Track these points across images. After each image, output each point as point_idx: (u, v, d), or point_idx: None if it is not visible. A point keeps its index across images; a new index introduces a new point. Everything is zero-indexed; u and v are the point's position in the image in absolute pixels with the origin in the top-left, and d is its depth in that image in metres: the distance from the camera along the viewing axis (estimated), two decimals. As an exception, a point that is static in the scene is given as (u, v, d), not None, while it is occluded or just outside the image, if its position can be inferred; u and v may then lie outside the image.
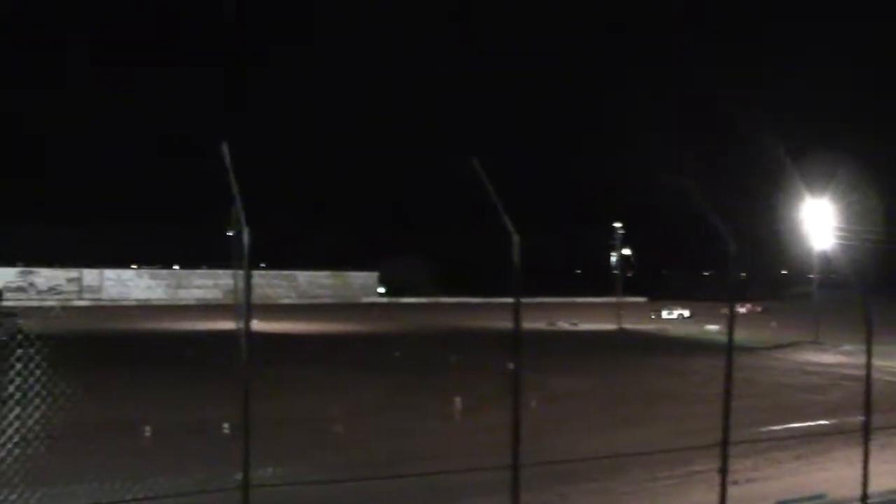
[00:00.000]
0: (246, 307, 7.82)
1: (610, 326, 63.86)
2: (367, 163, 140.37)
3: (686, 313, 75.72)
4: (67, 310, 67.72)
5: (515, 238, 8.88)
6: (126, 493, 10.35)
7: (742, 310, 67.71)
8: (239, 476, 8.25)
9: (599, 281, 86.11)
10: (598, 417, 21.90)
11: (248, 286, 7.85)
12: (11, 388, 10.73)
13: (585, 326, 64.66)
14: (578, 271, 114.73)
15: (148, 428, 18.46)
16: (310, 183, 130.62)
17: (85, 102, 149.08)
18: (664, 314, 76.60)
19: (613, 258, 74.51)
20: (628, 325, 64.24)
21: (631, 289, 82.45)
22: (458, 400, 23.16)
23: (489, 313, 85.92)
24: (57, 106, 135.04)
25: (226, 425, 16.87)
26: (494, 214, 9.03)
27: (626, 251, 75.88)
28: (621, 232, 74.05)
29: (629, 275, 77.72)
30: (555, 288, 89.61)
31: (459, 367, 32.35)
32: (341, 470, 13.79)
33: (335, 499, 12.12)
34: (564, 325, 64.27)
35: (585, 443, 16.55)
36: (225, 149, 8.10)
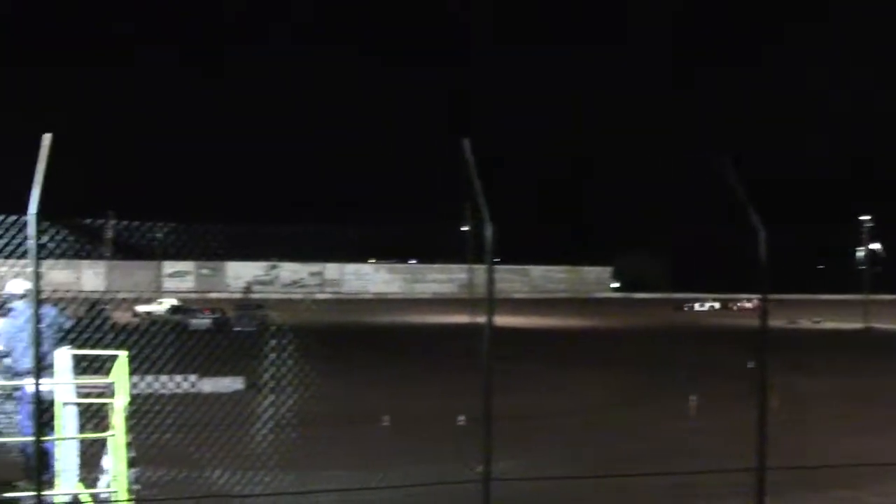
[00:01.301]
0: (489, 301, 7.91)
1: (856, 325, 60.59)
2: (600, 156, 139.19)
3: None
4: (307, 302, 70.76)
5: (762, 235, 8.57)
6: (370, 481, 10.74)
7: None
8: (479, 468, 8.36)
9: (845, 277, 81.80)
10: (847, 421, 20.73)
11: (491, 280, 7.94)
12: (266, 377, 11.40)
13: (829, 325, 61.67)
14: (821, 267, 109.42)
15: (387, 418, 18.99)
16: (542, 177, 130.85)
17: (324, 100, 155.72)
18: None
19: (860, 253, 70.65)
20: (877, 325, 60.71)
21: (881, 285, 77.85)
22: (693, 399, 22.58)
23: (725, 310, 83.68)
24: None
25: (461, 417, 17.14)
26: (737, 210, 8.76)
27: (875, 245, 71.80)
28: (869, 225, 70.10)
29: (878, 270, 73.44)
30: (796, 284, 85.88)
31: (695, 364, 31.53)
32: (574, 466, 13.71)
33: (573, 495, 12.05)
34: (806, 324, 61.61)
35: (833, 447, 15.71)
36: (466, 144, 8.22)
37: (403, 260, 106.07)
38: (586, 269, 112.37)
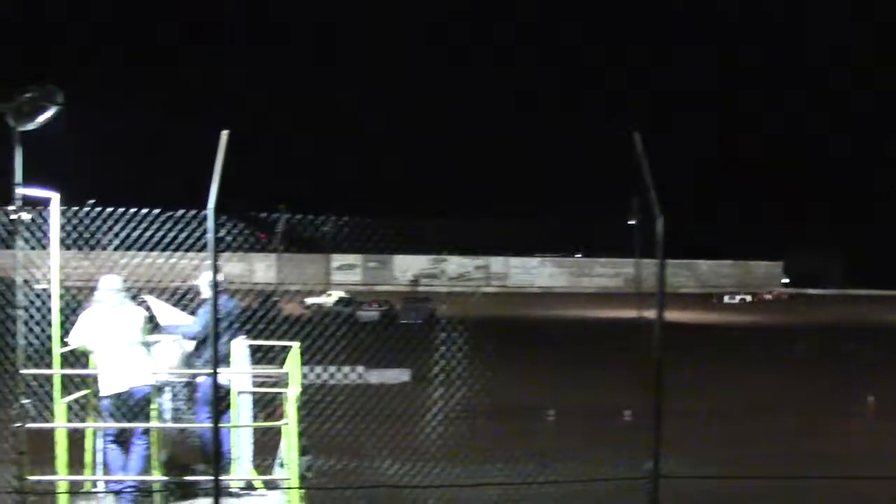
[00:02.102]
0: (659, 296, 7.74)
1: None
2: (777, 151, 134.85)
3: None
4: (477, 296, 71.24)
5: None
6: (538, 475, 10.68)
7: None
8: (647, 465, 8.19)
9: None
10: None
11: (662, 274, 7.75)
12: (436, 369, 11.53)
13: None
14: None
15: (553, 411, 18.91)
16: (715, 170, 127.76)
17: (492, 94, 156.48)
18: None
19: None
20: None
21: None
22: (870, 399, 21.61)
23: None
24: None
25: (628, 412, 16.89)
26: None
27: None
28: None
29: None
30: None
31: (872, 363, 30.12)
32: (744, 466, 13.29)
33: (742, 496, 11.68)
34: None
35: None
36: (637, 138, 8.06)
37: (569, 254, 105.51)
38: (755, 263, 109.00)
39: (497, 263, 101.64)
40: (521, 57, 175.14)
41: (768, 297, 71.19)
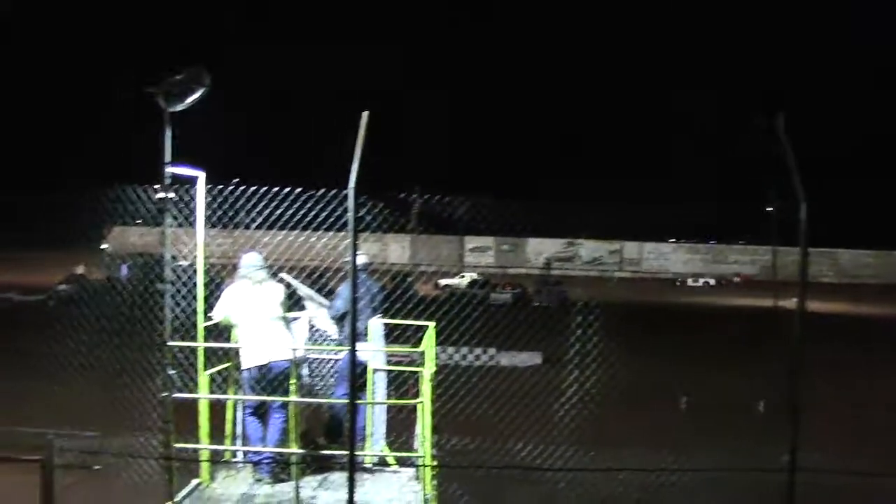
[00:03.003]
0: (801, 285, 7.49)
1: None
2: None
3: None
4: (613, 280, 70.63)
5: None
6: (671, 462, 10.52)
7: None
8: (784, 457, 7.97)
9: None
10: None
11: (805, 263, 7.50)
12: (571, 353, 11.47)
13: None
14: None
15: (686, 399, 18.61)
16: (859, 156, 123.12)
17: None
18: None
19: None
20: None
21: None
22: None
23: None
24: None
25: (761, 402, 16.49)
26: None
27: None
28: None
29: None
30: None
31: None
32: (885, 462, 12.79)
33: (880, 492, 11.25)
34: None
35: None
36: (780, 120, 7.80)
37: (704, 240, 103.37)
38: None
39: (630, 248, 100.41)
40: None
41: (736, 280, 70.93)
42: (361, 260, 10.22)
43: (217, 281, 10.19)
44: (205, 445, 9.15)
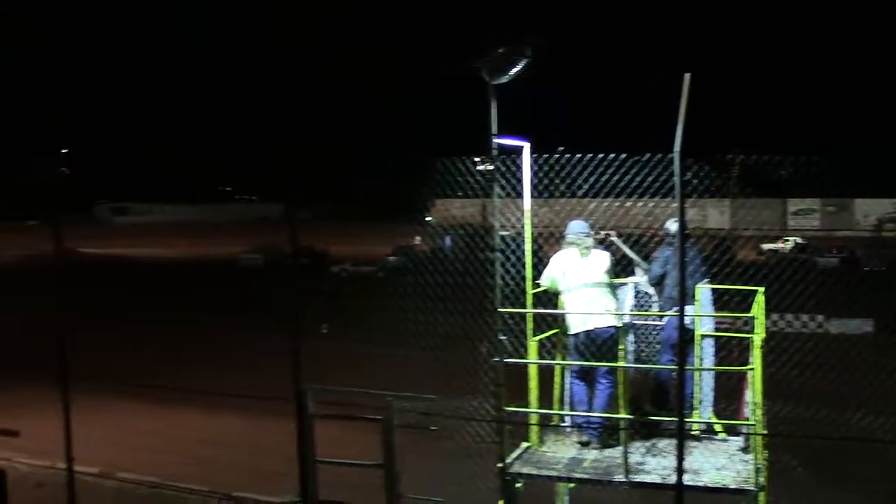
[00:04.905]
0: None
1: None
2: None
3: None
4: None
5: None
6: None
7: None
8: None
9: None
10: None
11: None
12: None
13: None
14: None
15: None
16: None
17: None
18: None
19: None
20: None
21: None
22: None
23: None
24: None
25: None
26: None
27: None
28: None
29: None
30: None
31: None
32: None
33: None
34: None
35: None
36: None
37: None
38: None
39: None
40: None
41: None
42: (676, 227, 10.09)
43: (536, 250, 10.38)
44: (535, 409, 9.41)
